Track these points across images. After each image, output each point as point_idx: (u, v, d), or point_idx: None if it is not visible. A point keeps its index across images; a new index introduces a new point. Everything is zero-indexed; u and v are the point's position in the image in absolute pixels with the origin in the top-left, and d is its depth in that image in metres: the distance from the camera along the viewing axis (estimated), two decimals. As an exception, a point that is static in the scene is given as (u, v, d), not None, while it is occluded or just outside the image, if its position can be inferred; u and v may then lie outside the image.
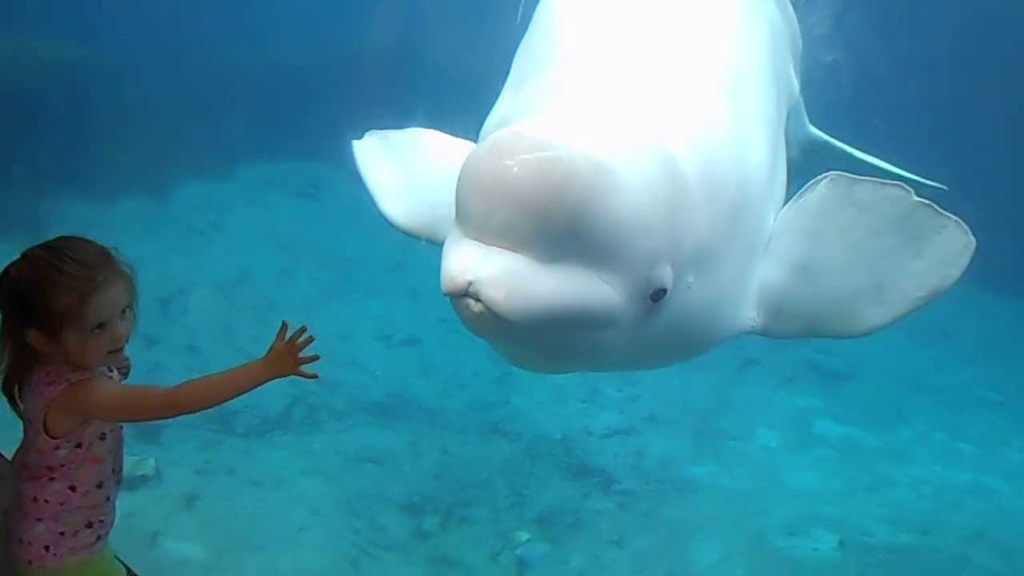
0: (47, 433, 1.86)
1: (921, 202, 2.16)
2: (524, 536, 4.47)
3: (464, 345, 6.08)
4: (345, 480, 4.55)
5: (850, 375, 6.26)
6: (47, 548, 1.92)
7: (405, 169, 2.78)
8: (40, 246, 1.87)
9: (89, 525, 1.97)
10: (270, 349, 1.90)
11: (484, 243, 1.60)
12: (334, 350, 5.88)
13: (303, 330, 1.90)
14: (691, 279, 1.88)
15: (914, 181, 3.68)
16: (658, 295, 1.76)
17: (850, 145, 4.10)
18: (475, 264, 1.59)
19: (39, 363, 1.87)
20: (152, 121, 7.81)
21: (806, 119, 3.67)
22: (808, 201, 2.22)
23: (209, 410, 5.63)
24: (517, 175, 1.55)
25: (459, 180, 1.66)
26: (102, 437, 1.94)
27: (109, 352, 1.88)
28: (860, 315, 2.20)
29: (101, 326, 1.84)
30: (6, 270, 1.85)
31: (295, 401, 5.26)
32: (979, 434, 5.83)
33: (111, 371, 2.00)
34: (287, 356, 1.89)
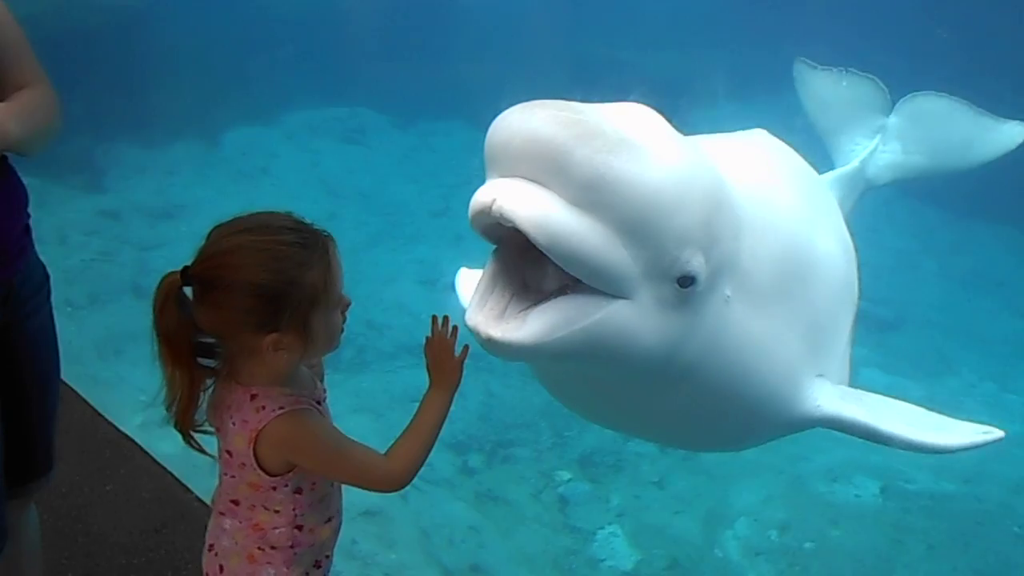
0: (262, 469, 1.58)
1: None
2: (566, 475, 4.58)
3: (508, 290, 6.15)
4: (393, 417, 4.67)
5: (899, 324, 6.19)
6: None
7: None
8: (236, 231, 1.54)
9: (317, 565, 1.71)
10: (430, 364, 1.69)
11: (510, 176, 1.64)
12: (380, 294, 5.99)
13: (446, 321, 1.71)
14: (728, 292, 1.87)
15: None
16: (686, 281, 1.73)
17: None
18: (500, 186, 1.62)
19: (237, 381, 1.57)
20: (201, 66, 7.90)
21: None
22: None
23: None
24: (541, 117, 1.60)
25: (490, 134, 1.69)
26: None
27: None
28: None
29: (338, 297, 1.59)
30: (235, 279, 1.49)
31: (343, 343, 5.37)
32: (1029, 386, 5.75)
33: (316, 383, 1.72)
34: (449, 361, 1.68)
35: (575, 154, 1.57)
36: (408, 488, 4.54)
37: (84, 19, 6.93)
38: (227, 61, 8.14)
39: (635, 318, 1.71)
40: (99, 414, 3.26)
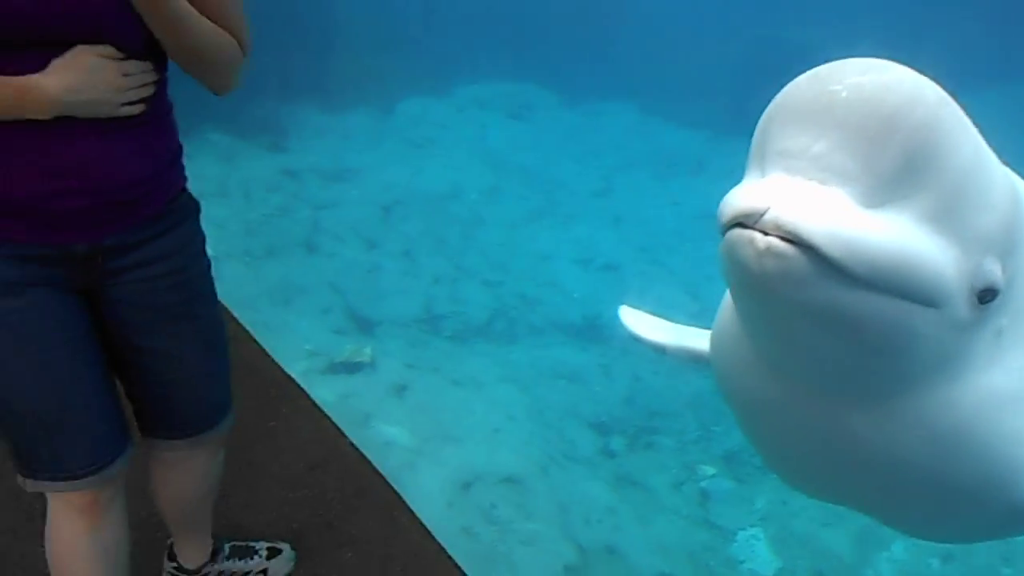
0: None
1: None
2: (710, 470, 4.43)
3: (664, 276, 6.02)
4: (539, 392, 4.70)
5: None
6: None
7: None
8: None
9: None
10: None
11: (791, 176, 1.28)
12: (535, 269, 6.03)
13: None
14: (1005, 322, 1.46)
15: None
16: (986, 296, 1.37)
17: None
18: (776, 191, 1.25)
19: None
20: (380, 36, 8.21)
21: None
22: None
23: (419, 313, 5.95)
24: (847, 99, 1.25)
25: (766, 119, 1.35)
26: None
27: None
28: None
29: None
30: None
31: (496, 314, 5.48)
32: None
33: None
34: None
35: (889, 145, 1.24)
36: (548, 461, 4.54)
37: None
38: (404, 33, 8.42)
39: (931, 336, 1.34)
40: (267, 355, 3.45)
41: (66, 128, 1.58)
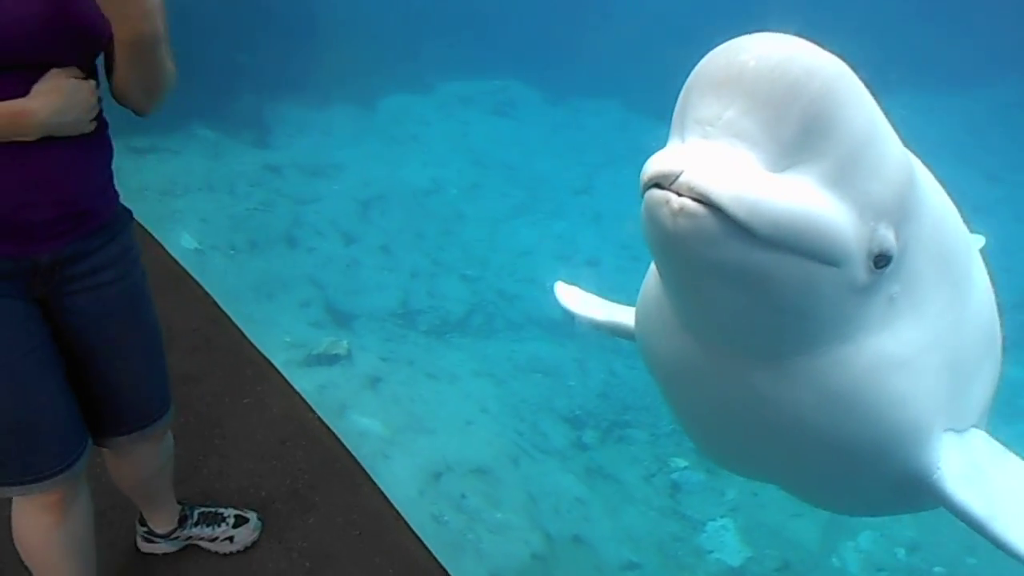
0: None
1: None
2: (682, 463, 4.51)
3: (644, 272, 6.08)
4: (513, 386, 4.77)
5: None
6: None
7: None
8: None
9: None
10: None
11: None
12: (515, 265, 6.10)
13: None
14: (897, 288, 1.56)
15: None
16: (881, 260, 1.46)
17: None
18: (690, 154, 1.35)
19: None
20: (363, 32, 8.24)
21: None
22: None
23: (396, 307, 5.96)
24: (754, 69, 1.35)
25: (685, 88, 1.45)
26: None
27: None
28: None
29: None
30: None
31: (474, 309, 5.54)
32: None
33: None
34: None
35: (790, 111, 1.34)
36: (520, 453, 4.60)
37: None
38: (389, 28, 8.44)
39: (832, 293, 1.45)
40: (245, 337, 3.54)
41: (43, 142, 1.67)
